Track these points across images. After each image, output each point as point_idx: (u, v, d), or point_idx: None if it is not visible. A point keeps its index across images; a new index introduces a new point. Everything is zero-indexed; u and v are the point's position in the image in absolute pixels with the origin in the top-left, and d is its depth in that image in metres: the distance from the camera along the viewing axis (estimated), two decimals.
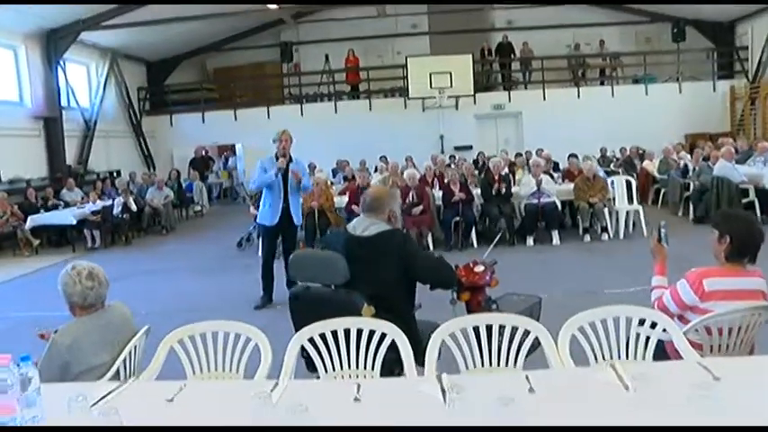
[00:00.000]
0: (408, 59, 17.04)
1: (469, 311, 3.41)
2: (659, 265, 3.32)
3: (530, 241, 9.29)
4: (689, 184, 10.69)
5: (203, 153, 18.64)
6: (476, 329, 2.91)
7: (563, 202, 9.93)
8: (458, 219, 9.29)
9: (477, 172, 11.61)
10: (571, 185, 9.88)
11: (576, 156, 12.32)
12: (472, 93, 17.16)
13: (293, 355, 2.86)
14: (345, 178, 13.46)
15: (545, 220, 9.40)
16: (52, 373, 2.70)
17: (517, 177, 11.12)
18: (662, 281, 3.26)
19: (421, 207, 9.21)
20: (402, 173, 11.51)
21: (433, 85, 16.59)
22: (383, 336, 2.89)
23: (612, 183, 9.79)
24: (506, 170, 10.66)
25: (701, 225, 9.97)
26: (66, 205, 12.69)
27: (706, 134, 16.94)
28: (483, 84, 18.58)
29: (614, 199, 9.65)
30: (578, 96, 18.15)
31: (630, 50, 19.35)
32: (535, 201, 9.37)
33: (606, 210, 9.33)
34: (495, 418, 1.91)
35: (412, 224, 9.24)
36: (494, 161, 10.00)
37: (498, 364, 2.86)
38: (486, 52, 19.20)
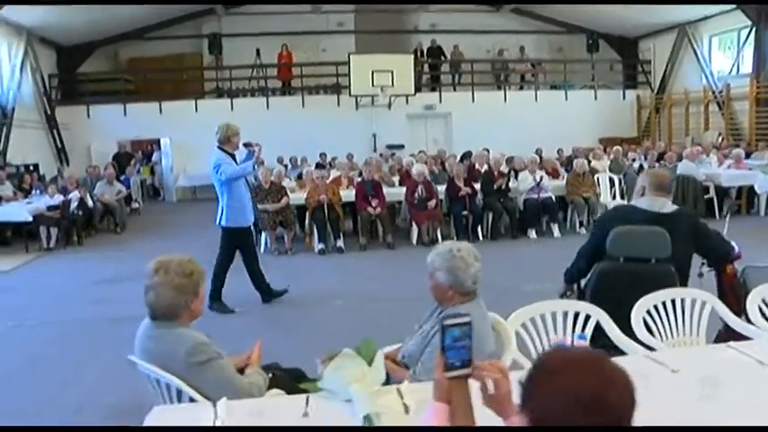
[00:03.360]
0: (351, 57, 16.91)
1: (721, 282, 3.69)
2: None
3: (532, 234, 9.71)
4: None
5: (125, 148, 17.41)
6: None
7: None
8: (465, 212, 9.54)
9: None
10: (557, 182, 10.48)
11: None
12: (413, 92, 17.36)
13: (641, 328, 2.96)
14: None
15: (547, 214, 9.87)
16: None
17: None
18: None
19: (434, 201, 9.34)
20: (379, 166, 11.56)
21: (374, 84, 16.61)
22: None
23: (598, 180, 10.48)
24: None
25: None
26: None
27: (617, 138, 18.47)
28: (415, 84, 18.90)
29: (599, 195, 10.35)
30: (505, 100, 19.01)
31: (544, 58, 20.57)
32: (535, 195, 9.83)
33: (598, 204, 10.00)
34: None
35: (425, 218, 9.34)
36: (494, 157, 10.34)
37: None
38: (418, 53, 19.58)
